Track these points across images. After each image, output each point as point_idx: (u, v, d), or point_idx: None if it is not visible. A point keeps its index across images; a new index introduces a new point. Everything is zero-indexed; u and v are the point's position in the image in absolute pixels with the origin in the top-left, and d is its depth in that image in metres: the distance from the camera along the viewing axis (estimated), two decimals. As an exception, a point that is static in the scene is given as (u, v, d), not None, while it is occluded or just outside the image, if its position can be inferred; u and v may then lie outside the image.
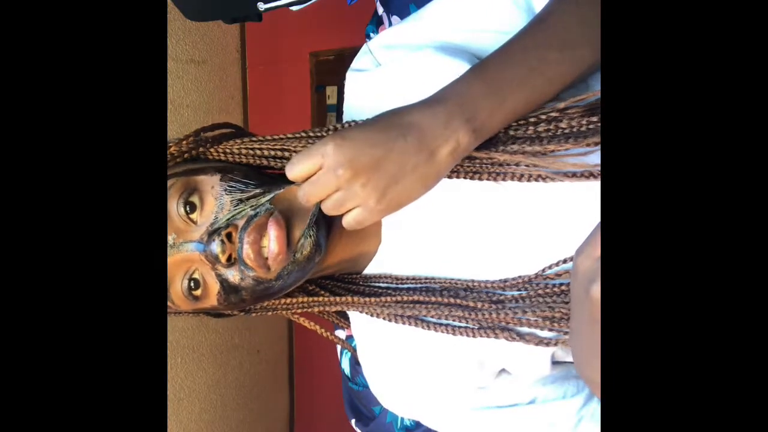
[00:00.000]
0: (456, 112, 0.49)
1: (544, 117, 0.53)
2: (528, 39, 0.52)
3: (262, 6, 0.74)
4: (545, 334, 0.54)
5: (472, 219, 0.57)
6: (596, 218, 0.52)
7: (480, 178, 0.55)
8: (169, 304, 0.57)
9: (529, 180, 0.54)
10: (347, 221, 0.51)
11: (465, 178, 0.55)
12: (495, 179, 0.55)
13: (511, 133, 0.53)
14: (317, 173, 0.50)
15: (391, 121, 0.49)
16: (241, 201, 0.54)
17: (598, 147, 0.51)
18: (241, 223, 0.53)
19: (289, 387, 2.12)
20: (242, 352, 1.90)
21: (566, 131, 0.52)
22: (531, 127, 0.53)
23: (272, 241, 0.52)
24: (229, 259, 0.53)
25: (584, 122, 0.52)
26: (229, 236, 0.53)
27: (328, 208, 0.50)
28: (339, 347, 0.85)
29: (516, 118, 0.52)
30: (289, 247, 0.53)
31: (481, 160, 0.54)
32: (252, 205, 0.54)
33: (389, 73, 0.61)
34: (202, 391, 1.73)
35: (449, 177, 0.55)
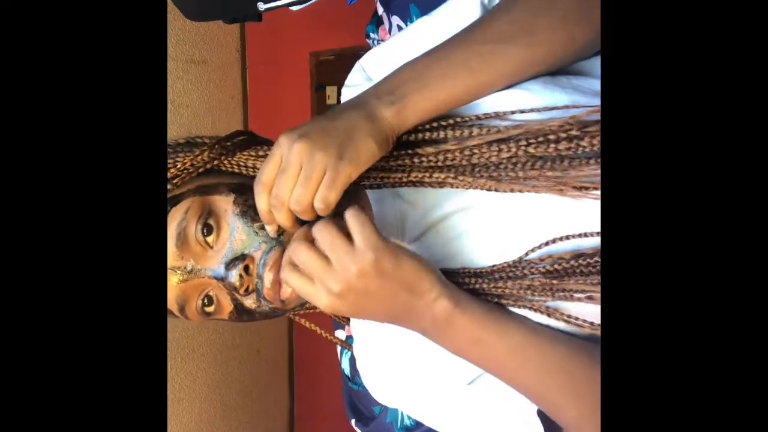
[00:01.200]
0: (387, 94, 0.53)
1: (564, 135, 0.52)
2: (460, 34, 0.56)
3: (262, 6, 0.74)
4: (529, 296, 0.54)
5: (462, 209, 0.57)
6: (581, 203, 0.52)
7: (497, 189, 0.55)
8: (182, 318, 0.57)
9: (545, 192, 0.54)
10: (323, 194, 0.48)
11: (483, 189, 0.55)
12: (511, 191, 0.54)
13: (531, 151, 0.53)
14: (281, 167, 0.50)
15: (333, 109, 0.54)
16: (253, 230, 0.54)
17: None
18: (257, 255, 0.54)
19: (289, 387, 2.12)
20: (242, 352, 1.90)
21: (587, 149, 0.52)
22: (552, 145, 0.52)
23: (285, 285, 0.53)
24: (246, 289, 0.54)
25: None
26: (246, 268, 0.53)
27: (301, 191, 0.48)
28: (339, 348, 0.85)
29: (442, 104, 0.54)
30: None
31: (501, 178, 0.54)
32: (264, 237, 0.54)
33: None
34: (202, 391, 1.73)
35: (463, 188, 0.56)
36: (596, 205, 0.53)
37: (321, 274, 0.48)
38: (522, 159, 0.53)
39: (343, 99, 0.67)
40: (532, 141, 0.53)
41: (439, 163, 0.55)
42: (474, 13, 0.60)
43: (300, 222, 0.52)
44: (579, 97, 0.56)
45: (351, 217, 0.47)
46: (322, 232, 0.48)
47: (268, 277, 0.53)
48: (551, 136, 0.53)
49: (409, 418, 0.81)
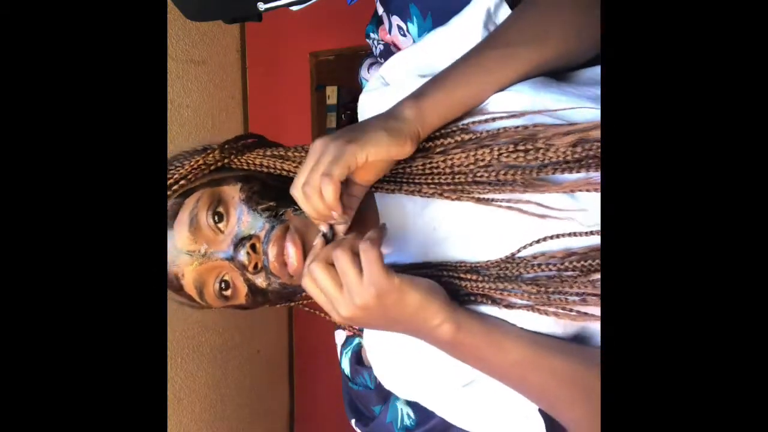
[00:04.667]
0: (409, 97, 0.57)
1: (531, 147, 0.55)
2: (476, 45, 0.61)
3: (262, 6, 0.74)
4: (521, 301, 0.56)
5: (459, 210, 0.59)
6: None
7: (478, 202, 0.58)
8: (202, 303, 0.62)
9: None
10: (326, 169, 0.51)
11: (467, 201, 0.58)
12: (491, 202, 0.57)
13: (504, 159, 0.56)
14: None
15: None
16: (257, 212, 0.59)
17: (582, 174, 0.54)
18: (262, 234, 0.59)
19: (289, 387, 2.12)
20: (242, 352, 1.90)
21: (553, 159, 0.55)
22: (521, 155, 0.56)
23: (290, 257, 0.58)
24: (255, 267, 0.58)
25: (569, 152, 0.55)
26: (253, 247, 0.58)
27: (311, 174, 0.52)
28: (339, 348, 0.85)
29: (459, 101, 0.57)
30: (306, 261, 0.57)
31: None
32: (267, 217, 0.59)
33: (393, 91, 0.65)
34: (202, 391, 1.73)
35: (447, 197, 0.58)
36: (586, 205, 0.55)
37: (333, 297, 0.51)
38: (496, 167, 0.57)
39: (360, 105, 0.72)
40: (503, 150, 0.56)
41: (426, 171, 0.59)
42: (479, 19, 0.63)
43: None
44: (564, 98, 0.58)
45: (362, 252, 0.49)
46: (339, 259, 0.50)
47: (272, 251, 0.58)
48: (521, 146, 0.56)
49: (409, 417, 0.81)
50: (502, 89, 0.58)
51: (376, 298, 0.49)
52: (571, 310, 0.54)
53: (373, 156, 0.52)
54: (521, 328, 0.56)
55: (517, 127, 0.57)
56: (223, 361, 1.81)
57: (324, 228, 0.56)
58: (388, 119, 0.55)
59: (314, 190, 0.51)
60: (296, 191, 0.53)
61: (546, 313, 0.55)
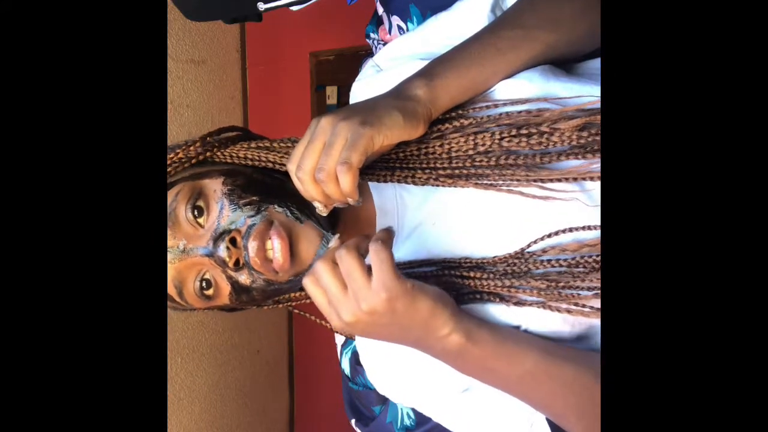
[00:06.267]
0: (419, 76, 0.55)
1: (535, 131, 0.54)
2: (486, 26, 0.59)
3: (262, 6, 0.74)
4: (531, 298, 0.54)
5: (458, 199, 0.58)
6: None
7: (475, 187, 0.56)
8: (182, 303, 0.59)
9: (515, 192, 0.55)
10: (344, 155, 0.49)
11: (463, 187, 0.56)
12: (490, 187, 0.56)
13: (505, 144, 0.54)
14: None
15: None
16: (238, 206, 0.56)
17: (590, 160, 0.53)
18: (243, 229, 0.55)
19: (289, 387, 2.12)
20: (242, 352, 1.90)
21: (557, 145, 0.54)
22: (524, 140, 0.54)
23: (276, 252, 0.55)
24: (236, 263, 0.55)
25: (574, 137, 0.53)
26: (233, 241, 0.55)
27: (323, 159, 0.49)
28: (339, 348, 0.85)
29: (471, 82, 0.55)
30: (293, 257, 0.55)
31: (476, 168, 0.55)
32: (249, 212, 0.56)
33: (387, 77, 0.63)
34: (202, 391, 1.73)
35: (445, 187, 0.56)
36: (590, 199, 0.54)
37: (336, 301, 0.48)
38: (497, 153, 0.55)
39: (353, 92, 0.69)
40: (505, 135, 0.55)
41: (421, 156, 0.57)
42: (487, 3, 0.62)
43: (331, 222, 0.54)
44: (576, 86, 0.57)
45: (374, 252, 0.47)
46: (344, 261, 0.47)
47: (252, 246, 0.55)
48: (523, 130, 0.54)
49: (408, 417, 0.81)
50: (511, 74, 0.57)
51: (387, 302, 0.46)
52: (583, 306, 0.53)
53: (388, 140, 0.50)
54: (531, 336, 0.54)
55: (520, 111, 0.55)
56: (223, 361, 1.81)
57: (323, 210, 0.53)
58: (400, 99, 0.52)
59: (330, 177, 0.49)
60: (303, 174, 0.50)
61: (558, 309, 0.53)
